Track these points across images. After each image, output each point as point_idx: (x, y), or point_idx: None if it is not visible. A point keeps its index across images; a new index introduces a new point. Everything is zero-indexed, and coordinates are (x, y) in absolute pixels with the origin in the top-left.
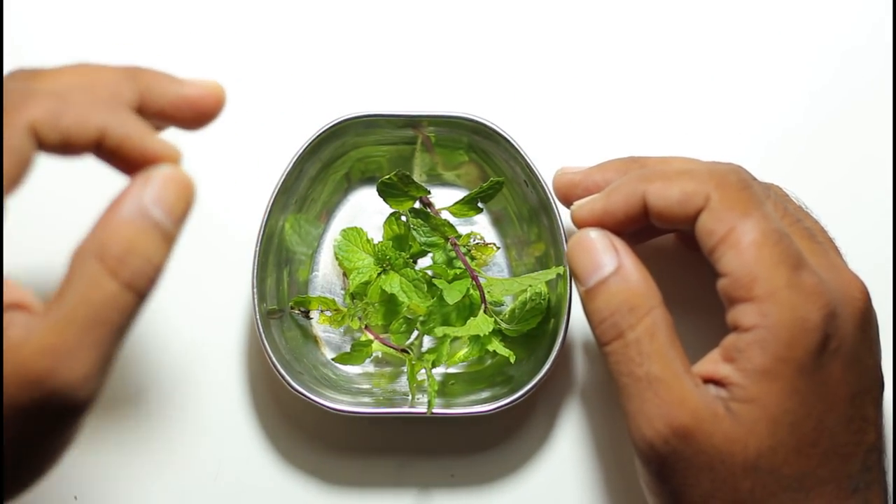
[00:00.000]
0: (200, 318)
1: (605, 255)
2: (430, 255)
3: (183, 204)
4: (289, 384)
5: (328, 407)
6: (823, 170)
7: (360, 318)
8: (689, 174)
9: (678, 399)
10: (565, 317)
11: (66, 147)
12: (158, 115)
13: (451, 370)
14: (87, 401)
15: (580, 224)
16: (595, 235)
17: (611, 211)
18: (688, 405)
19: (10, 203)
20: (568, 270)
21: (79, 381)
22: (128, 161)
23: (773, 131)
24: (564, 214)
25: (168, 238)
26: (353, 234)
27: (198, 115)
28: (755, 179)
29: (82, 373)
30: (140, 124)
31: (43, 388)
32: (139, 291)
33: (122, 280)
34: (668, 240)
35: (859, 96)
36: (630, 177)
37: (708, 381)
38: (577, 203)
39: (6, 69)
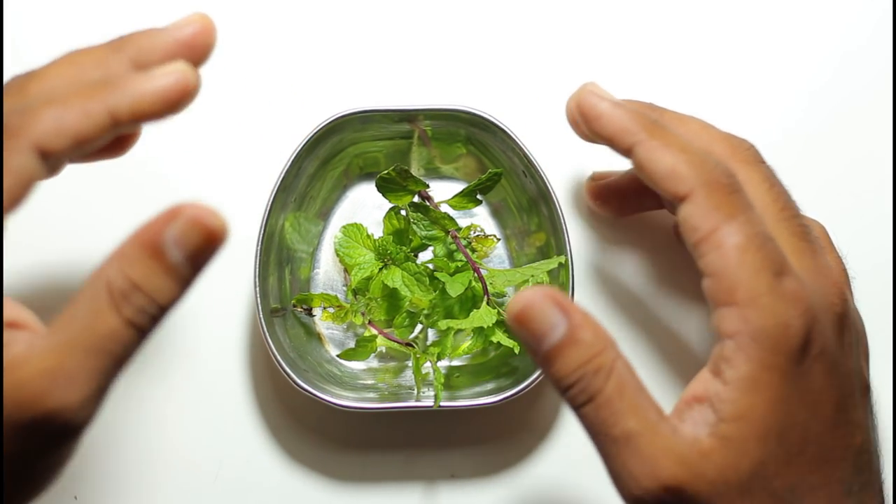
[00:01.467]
0: (203, 318)
1: (552, 317)
2: (431, 248)
3: (206, 249)
4: (294, 382)
5: (334, 403)
6: (823, 169)
7: (363, 314)
8: (686, 155)
9: (660, 451)
10: None
11: (84, 144)
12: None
13: (456, 363)
14: (81, 425)
15: (579, 104)
16: (538, 297)
17: (604, 125)
18: (672, 455)
19: (10, 221)
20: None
21: (74, 406)
22: (155, 114)
23: (772, 131)
24: (564, 203)
25: (182, 280)
26: (353, 230)
27: (198, 52)
28: (763, 162)
29: (78, 398)
30: (141, 78)
31: (39, 409)
32: (141, 329)
33: (125, 316)
34: (667, 235)
35: (859, 96)
36: (637, 116)
37: (699, 401)
38: (589, 89)
39: (6, 69)
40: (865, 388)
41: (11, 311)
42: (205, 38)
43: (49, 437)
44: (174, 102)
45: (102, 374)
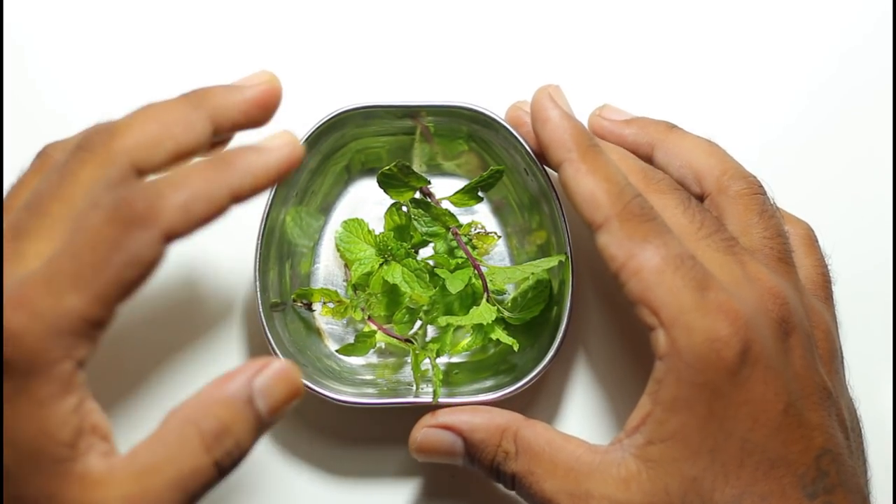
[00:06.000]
0: (203, 313)
1: (446, 438)
2: (432, 244)
3: (286, 402)
4: None
5: (333, 398)
6: (822, 168)
7: (362, 309)
8: (607, 185)
9: (580, 498)
10: (568, 304)
11: (205, 225)
12: (232, 128)
13: (455, 359)
14: None
15: (533, 102)
16: (424, 430)
17: (547, 131)
18: (593, 495)
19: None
20: (570, 262)
21: None
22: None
23: (771, 130)
24: (565, 202)
25: (261, 429)
26: (354, 226)
27: (265, 112)
28: (678, 189)
29: None
30: (255, 156)
31: None
32: (222, 471)
33: (213, 457)
34: None
35: (859, 95)
36: (578, 134)
37: (636, 428)
38: (549, 91)
39: (6, 69)
40: (825, 391)
41: (98, 417)
42: (273, 98)
43: None
44: (287, 173)
45: None
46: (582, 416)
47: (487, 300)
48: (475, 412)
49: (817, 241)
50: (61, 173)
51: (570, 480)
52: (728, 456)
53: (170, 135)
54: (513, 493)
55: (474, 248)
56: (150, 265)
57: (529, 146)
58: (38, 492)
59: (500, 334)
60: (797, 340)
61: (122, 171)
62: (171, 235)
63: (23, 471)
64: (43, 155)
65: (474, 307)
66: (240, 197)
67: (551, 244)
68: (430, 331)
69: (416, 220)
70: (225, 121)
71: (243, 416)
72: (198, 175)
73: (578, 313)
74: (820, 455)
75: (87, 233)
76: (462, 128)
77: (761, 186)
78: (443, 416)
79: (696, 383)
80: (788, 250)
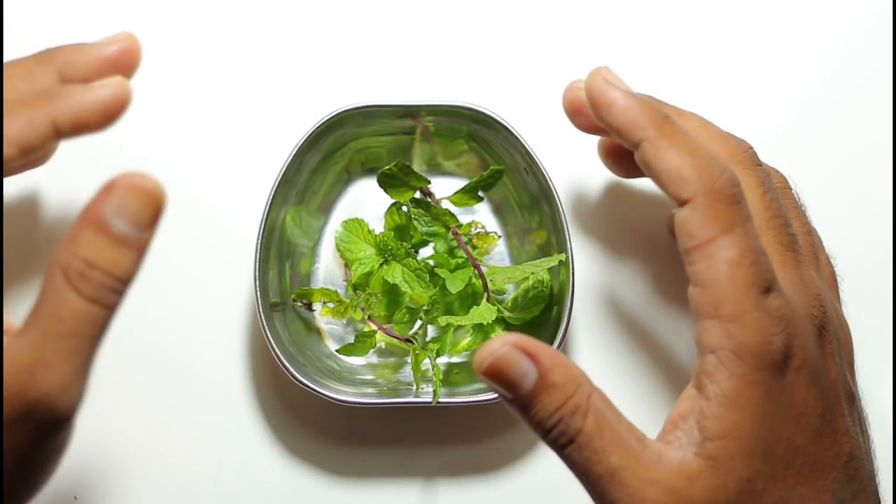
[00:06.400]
0: (203, 313)
1: (522, 364)
2: (432, 244)
3: (149, 210)
4: (293, 376)
5: (333, 398)
6: (823, 164)
7: (362, 309)
8: (693, 159)
9: (646, 483)
10: (568, 304)
11: (28, 152)
12: (83, 82)
13: (455, 359)
14: (67, 409)
15: (590, 90)
16: (505, 347)
17: (615, 115)
18: (658, 485)
19: None
20: (567, 270)
21: (57, 391)
22: (94, 125)
23: (772, 127)
24: (565, 201)
25: (135, 246)
26: (354, 225)
27: (121, 70)
28: (760, 165)
29: (59, 382)
30: (82, 90)
31: (24, 401)
32: (104, 303)
33: (86, 295)
34: (663, 234)
35: (859, 91)
36: (649, 110)
37: (684, 418)
38: (603, 75)
39: (6, 60)
40: (850, 397)
41: None
42: (129, 57)
43: (40, 427)
44: (112, 114)
45: (78, 355)
46: None
47: (487, 300)
48: (556, 353)
49: (822, 243)
50: None
51: (637, 462)
52: (777, 457)
53: (10, 86)
54: (509, 487)
55: (474, 247)
56: None
57: (529, 146)
58: None
59: (500, 334)
60: (832, 347)
61: None
62: None
63: None
64: None
65: (474, 307)
66: (61, 128)
67: (551, 244)
68: (430, 331)
69: (416, 219)
70: (74, 76)
71: (101, 243)
72: (22, 104)
73: (578, 313)
74: (848, 460)
75: None
76: (462, 127)
77: (787, 181)
78: (528, 342)
79: (750, 381)
80: (818, 248)
